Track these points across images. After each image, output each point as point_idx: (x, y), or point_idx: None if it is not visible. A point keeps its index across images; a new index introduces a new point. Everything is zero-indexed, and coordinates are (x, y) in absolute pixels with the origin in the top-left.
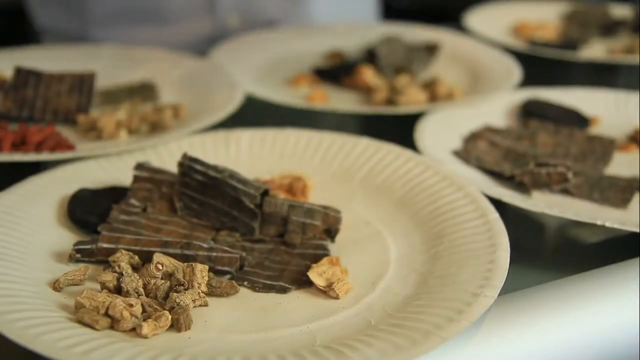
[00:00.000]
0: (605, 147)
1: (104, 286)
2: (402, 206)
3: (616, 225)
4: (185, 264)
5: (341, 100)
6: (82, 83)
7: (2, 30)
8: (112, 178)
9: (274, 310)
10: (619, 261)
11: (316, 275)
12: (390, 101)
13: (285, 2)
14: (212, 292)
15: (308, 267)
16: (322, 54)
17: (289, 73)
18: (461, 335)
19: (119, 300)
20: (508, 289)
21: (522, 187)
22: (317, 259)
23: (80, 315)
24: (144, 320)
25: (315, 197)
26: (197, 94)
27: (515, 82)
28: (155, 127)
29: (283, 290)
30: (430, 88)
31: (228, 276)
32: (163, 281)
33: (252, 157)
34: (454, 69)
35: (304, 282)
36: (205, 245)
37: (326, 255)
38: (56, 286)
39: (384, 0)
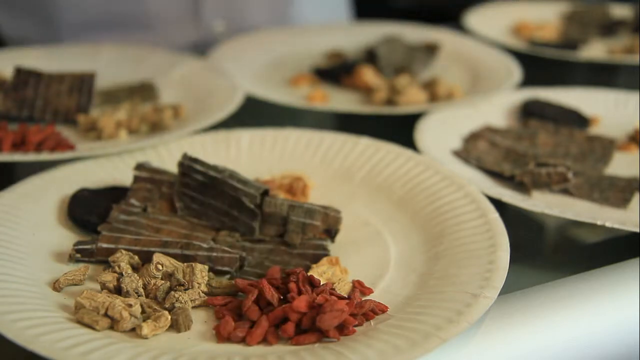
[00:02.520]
0: (605, 147)
1: (104, 286)
2: (402, 206)
3: (616, 225)
4: (185, 264)
5: (341, 100)
6: (82, 83)
7: None
8: (112, 178)
9: None
10: (619, 261)
11: (316, 275)
12: (390, 101)
13: (270, 8)
14: (212, 292)
15: (308, 267)
16: (322, 54)
17: (289, 73)
18: (461, 335)
19: (118, 301)
20: (508, 289)
21: (522, 187)
22: (317, 259)
23: (80, 316)
24: (144, 320)
25: (315, 197)
26: (197, 94)
27: (515, 82)
28: (155, 127)
29: None
30: (430, 88)
31: (228, 276)
32: (163, 281)
33: (252, 157)
34: (454, 69)
35: None
36: (205, 245)
37: (326, 255)
38: (56, 286)
39: (384, 0)
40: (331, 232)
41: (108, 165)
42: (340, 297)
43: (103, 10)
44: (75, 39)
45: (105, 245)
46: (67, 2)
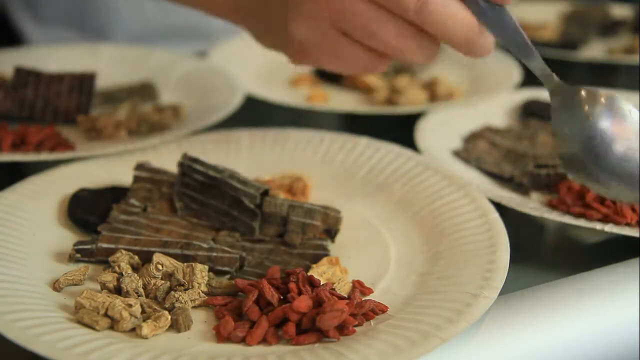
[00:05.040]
0: None
1: (104, 286)
2: (402, 206)
3: (615, 230)
4: (185, 264)
5: (341, 100)
6: (82, 83)
7: None
8: (112, 178)
9: None
10: (619, 261)
11: (316, 275)
12: (390, 101)
13: None
14: (212, 292)
15: (308, 267)
16: None
17: (289, 73)
18: (461, 336)
19: (118, 301)
20: (508, 289)
21: (521, 188)
22: (317, 259)
23: (80, 316)
24: (144, 320)
25: (315, 197)
26: (197, 94)
27: (515, 82)
28: (155, 127)
29: None
30: (430, 88)
31: (228, 276)
32: (163, 281)
33: (252, 157)
34: (454, 69)
35: None
36: (204, 245)
37: (326, 255)
38: (56, 286)
39: None
40: (331, 232)
41: (108, 165)
42: (340, 297)
43: (162, 22)
44: None
45: (105, 245)
46: (124, 15)
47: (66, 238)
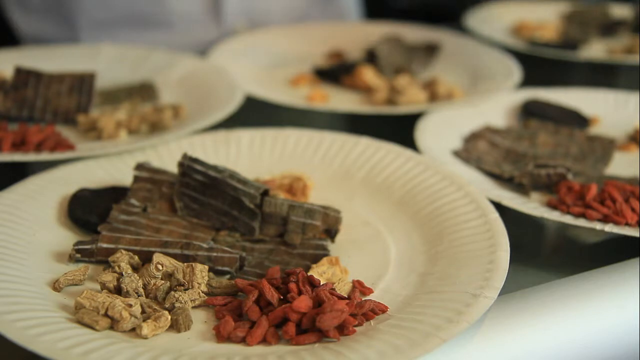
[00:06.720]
0: (605, 147)
1: (104, 286)
2: (402, 206)
3: (615, 230)
4: (185, 264)
5: (341, 100)
6: (82, 83)
7: None
8: (112, 178)
9: None
10: (619, 261)
11: (316, 275)
12: (390, 101)
13: (292, 7)
14: (212, 292)
15: (308, 267)
16: (322, 54)
17: (289, 73)
18: (461, 336)
19: (118, 301)
20: (508, 289)
21: (521, 188)
22: (317, 259)
23: (80, 316)
24: (144, 320)
25: (315, 197)
26: (197, 94)
27: (515, 82)
28: (155, 127)
29: None
30: (430, 88)
31: (228, 276)
32: (163, 281)
33: (252, 157)
34: (454, 69)
35: None
36: (204, 246)
37: (326, 255)
38: (56, 286)
39: (384, 0)
40: (331, 232)
41: (108, 165)
42: (340, 297)
43: (124, 9)
44: (95, 38)
45: (105, 245)
46: (89, 2)
47: (66, 238)
